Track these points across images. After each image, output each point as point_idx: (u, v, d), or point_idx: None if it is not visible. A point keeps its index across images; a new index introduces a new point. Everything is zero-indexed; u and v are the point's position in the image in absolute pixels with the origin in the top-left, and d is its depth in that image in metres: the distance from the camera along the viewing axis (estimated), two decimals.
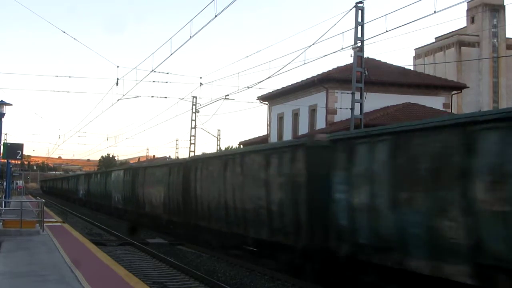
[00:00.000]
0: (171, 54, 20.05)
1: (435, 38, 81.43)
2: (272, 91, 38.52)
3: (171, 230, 24.45)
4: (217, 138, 52.62)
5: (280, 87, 38.29)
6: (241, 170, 16.80)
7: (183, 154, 63.19)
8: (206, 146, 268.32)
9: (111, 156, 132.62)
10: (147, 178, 28.04)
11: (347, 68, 30.20)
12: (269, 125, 41.55)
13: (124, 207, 33.16)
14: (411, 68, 59.35)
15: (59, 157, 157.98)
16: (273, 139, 39.00)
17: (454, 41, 77.08)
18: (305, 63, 24.74)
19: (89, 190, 48.45)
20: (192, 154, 40.46)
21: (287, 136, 36.79)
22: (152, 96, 50.24)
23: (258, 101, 41.30)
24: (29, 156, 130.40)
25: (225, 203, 17.78)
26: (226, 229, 17.79)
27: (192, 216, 21.08)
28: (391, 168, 10.56)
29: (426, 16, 16.69)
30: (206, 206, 19.55)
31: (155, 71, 25.96)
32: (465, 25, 79.14)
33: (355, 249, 11.54)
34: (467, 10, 76.59)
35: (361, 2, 22.25)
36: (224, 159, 18.39)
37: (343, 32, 20.23)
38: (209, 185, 19.36)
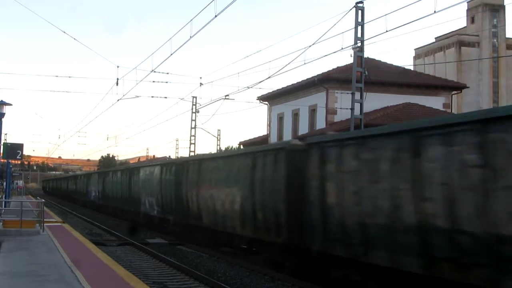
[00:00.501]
0: (171, 54, 20.07)
1: (435, 38, 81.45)
2: (272, 91, 38.53)
3: (264, 255, 16.03)
4: (217, 138, 52.64)
5: (280, 87, 38.35)
6: None
7: (183, 154, 63.10)
8: (206, 146, 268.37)
9: (111, 156, 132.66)
10: (205, 175, 19.82)
11: (347, 68, 30.19)
12: (269, 125, 41.55)
13: (161, 216, 25.33)
14: (411, 68, 59.38)
15: (59, 157, 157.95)
16: (273, 139, 39.02)
17: (454, 41, 77.09)
18: (305, 63, 24.75)
19: (104, 191, 40.58)
20: (192, 154, 40.45)
21: (287, 136, 36.80)
22: (152, 96, 50.24)
23: (258, 101, 41.32)
24: (29, 156, 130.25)
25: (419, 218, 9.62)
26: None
27: (316, 236, 12.76)
28: None
29: (426, 16, 16.72)
30: (355, 223, 11.35)
31: (155, 71, 25.99)
32: (465, 25, 79.17)
33: None
34: (467, 10, 76.62)
35: (361, 2, 22.24)
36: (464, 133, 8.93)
37: (343, 32, 20.25)
38: (372, 186, 10.88)
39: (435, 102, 33.69)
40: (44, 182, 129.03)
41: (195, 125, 41.02)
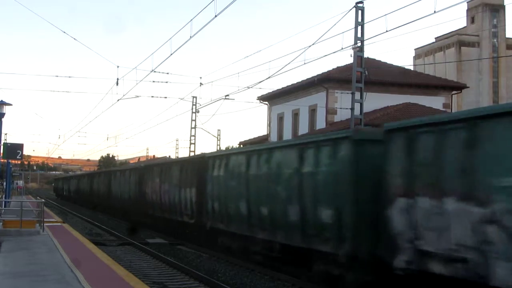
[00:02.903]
0: (171, 54, 20.04)
1: (435, 38, 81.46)
2: (272, 91, 38.52)
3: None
4: (217, 138, 52.62)
5: (280, 87, 38.32)
6: None
7: (183, 154, 63.14)
8: (206, 146, 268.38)
9: (111, 156, 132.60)
10: None
11: (347, 68, 30.18)
12: (269, 125, 41.54)
13: None
14: (411, 68, 59.37)
15: (59, 157, 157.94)
16: (273, 139, 39.00)
17: (454, 41, 77.10)
18: (305, 63, 24.70)
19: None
20: (192, 154, 40.44)
21: (287, 136, 36.80)
22: (152, 96, 50.16)
23: (258, 101, 41.30)
24: (29, 156, 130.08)
25: None
26: None
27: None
28: None
29: (426, 16, 16.66)
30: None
31: (155, 71, 25.91)
32: (465, 25, 79.18)
33: None
34: (467, 10, 76.64)
35: (361, 2, 22.21)
36: None
37: (343, 32, 20.21)
38: None
39: (435, 102, 33.67)
40: (57, 182, 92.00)
41: (195, 125, 41.02)
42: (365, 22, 22.35)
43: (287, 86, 37.44)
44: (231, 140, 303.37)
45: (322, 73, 33.84)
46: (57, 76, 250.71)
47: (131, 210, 31.21)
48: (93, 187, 47.22)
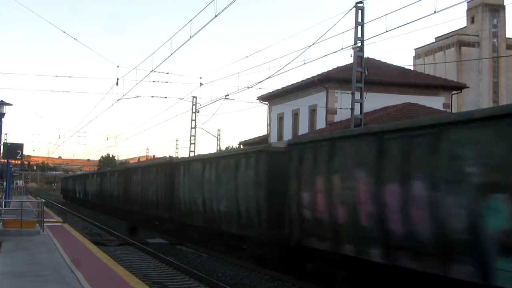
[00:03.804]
0: (171, 54, 20.07)
1: (435, 38, 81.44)
2: (272, 91, 38.52)
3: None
4: (217, 138, 52.63)
5: (280, 87, 38.31)
6: None
7: (183, 154, 63.10)
8: (206, 146, 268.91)
9: (111, 156, 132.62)
10: None
11: (347, 68, 30.17)
12: (269, 125, 41.53)
13: None
14: (411, 68, 59.35)
15: (59, 157, 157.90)
16: (273, 139, 39.01)
17: (454, 41, 77.09)
18: (305, 63, 24.72)
19: None
20: (192, 154, 40.45)
21: (287, 136, 36.77)
22: (152, 96, 50.26)
23: (258, 101, 41.31)
24: (29, 156, 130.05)
25: None
26: None
27: None
28: None
29: (426, 16, 16.71)
30: None
31: (155, 71, 25.95)
32: (465, 25, 79.17)
33: None
34: (467, 10, 76.63)
35: (361, 2, 22.22)
36: None
37: (343, 32, 20.26)
38: None
39: (435, 102, 33.65)
40: (66, 182, 73.37)
41: (195, 125, 41.03)
42: (365, 22, 22.36)
43: (287, 86, 37.43)
44: (231, 140, 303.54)
45: (322, 73, 33.83)
46: (57, 76, 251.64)
47: (247, 236, 16.94)
48: (130, 189, 30.98)
